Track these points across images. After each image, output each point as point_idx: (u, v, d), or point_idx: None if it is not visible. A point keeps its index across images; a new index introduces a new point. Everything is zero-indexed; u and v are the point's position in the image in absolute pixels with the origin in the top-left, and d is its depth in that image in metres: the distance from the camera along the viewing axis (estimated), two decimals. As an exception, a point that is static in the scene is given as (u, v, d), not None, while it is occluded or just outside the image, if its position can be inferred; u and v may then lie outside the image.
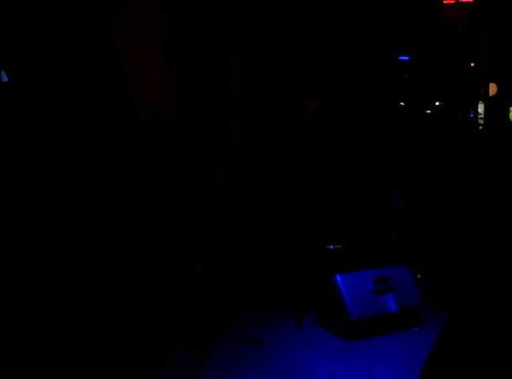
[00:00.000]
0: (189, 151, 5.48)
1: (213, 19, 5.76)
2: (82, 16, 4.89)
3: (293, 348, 4.10)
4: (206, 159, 5.54)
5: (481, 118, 4.98)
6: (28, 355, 3.79)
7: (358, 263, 4.74)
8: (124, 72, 5.15)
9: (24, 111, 4.68)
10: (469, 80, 5.43)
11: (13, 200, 4.54)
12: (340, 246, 5.19)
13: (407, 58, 5.93)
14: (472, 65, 5.37)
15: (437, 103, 5.55)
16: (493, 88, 5.33)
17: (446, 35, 5.74)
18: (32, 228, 4.58)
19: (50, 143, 4.80)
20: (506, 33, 5.31)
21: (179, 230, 5.20)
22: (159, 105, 5.41)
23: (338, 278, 4.36)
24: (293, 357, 3.96)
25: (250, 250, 5.53)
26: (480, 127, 5.02)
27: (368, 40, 6.01)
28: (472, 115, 5.07)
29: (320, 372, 3.76)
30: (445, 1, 5.94)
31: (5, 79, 4.46)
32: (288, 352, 4.03)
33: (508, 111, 5.09)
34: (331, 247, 5.15)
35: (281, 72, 6.10)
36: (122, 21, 5.14)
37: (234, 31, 5.94)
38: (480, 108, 5.00)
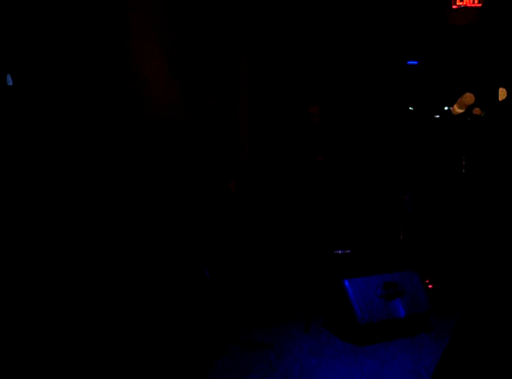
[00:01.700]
0: (197, 156, 5.50)
1: (222, 24, 5.79)
2: (90, 23, 4.94)
3: (301, 353, 4.09)
4: (215, 164, 5.55)
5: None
6: (30, 356, 3.81)
7: (366, 268, 4.72)
8: (133, 78, 5.19)
9: (30, 114, 4.73)
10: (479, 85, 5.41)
11: (23, 200, 4.58)
12: (348, 251, 5.18)
13: (415, 62, 5.93)
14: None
15: (446, 108, 5.54)
16: (503, 93, 5.30)
17: (455, 40, 5.73)
18: (47, 229, 4.62)
19: (57, 147, 4.84)
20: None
21: (188, 235, 5.22)
22: (167, 110, 5.44)
23: (347, 283, 4.35)
24: (301, 361, 3.94)
25: (259, 254, 5.53)
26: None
27: (376, 45, 6.01)
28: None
29: (328, 377, 3.75)
30: (453, 6, 5.94)
31: (10, 82, 4.50)
32: (296, 357, 4.02)
33: None
34: (340, 252, 5.13)
35: (289, 76, 6.12)
36: (130, 27, 5.18)
37: (242, 37, 5.97)
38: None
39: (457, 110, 4.77)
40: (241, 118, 6.08)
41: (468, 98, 4.73)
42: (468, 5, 5.84)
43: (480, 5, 5.82)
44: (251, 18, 6.02)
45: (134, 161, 5.26)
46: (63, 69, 4.89)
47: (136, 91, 5.24)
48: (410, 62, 5.95)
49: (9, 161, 4.73)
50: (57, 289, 4.55)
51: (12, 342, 3.92)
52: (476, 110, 4.81)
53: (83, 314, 4.40)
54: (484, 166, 5.15)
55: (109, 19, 5.06)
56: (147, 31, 5.31)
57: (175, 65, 5.54)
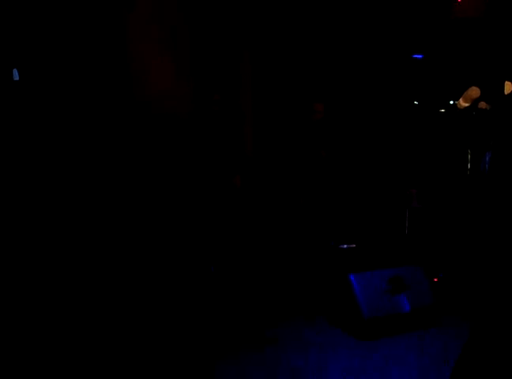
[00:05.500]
0: (203, 151, 5.51)
1: (225, 20, 5.80)
2: (93, 19, 4.94)
3: (306, 348, 4.10)
4: (221, 159, 5.56)
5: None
6: (30, 356, 3.81)
7: (372, 262, 4.73)
8: (137, 75, 5.20)
9: (36, 109, 4.73)
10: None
11: (26, 195, 4.59)
12: (354, 246, 5.19)
13: (420, 56, 5.90)
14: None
15: (451, 102, 5.51)
16: (508, 87, 5.26)
17: (460, 33, 5.70)
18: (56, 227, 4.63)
19: (63, 141, 4.85)
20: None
21: (193, 230, 5.23)
22: (173, 106, 5.45)
23: (352, 277, 4.35)
24: (306, 356, 3.95)
25: (264, 249, 5.54)
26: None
27: (381, 39, 5.99)
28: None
29: (332, 372, 3.76)
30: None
31: (16, 77, 4.51)
32: (300, 352, 4.03)
33: None
34: (345, 246, 5.14)
35: (293, 71, 6.11)
36: (134, 25, 5.19)
37: (245, 32, 5.97)
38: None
39: (463, 104, 4.74)
40: (246, 114, 6.09)
41: (474, 92, 4.70)
42: (474, -3, 5.80)
43: (486, -3, 5.77)
44: (254, 13, 6.01)
45: (141, 156, 5.27)
46: (68, 62, 4.89)
47: (142, 87, 5.25)
48: (415, 56, 5.92)
49: (14, 155, 4.74)
50: (57, 284, 4.55)
51: (11, 342, 3.92)
52: (482, 104, 4.78)
53: (84, 311, 4.40)
54: (490, 161, 5.12)
55: (112, 17, 5.07)
56: (152, 30, 5.31)
57: (181, 62, 5.54)
